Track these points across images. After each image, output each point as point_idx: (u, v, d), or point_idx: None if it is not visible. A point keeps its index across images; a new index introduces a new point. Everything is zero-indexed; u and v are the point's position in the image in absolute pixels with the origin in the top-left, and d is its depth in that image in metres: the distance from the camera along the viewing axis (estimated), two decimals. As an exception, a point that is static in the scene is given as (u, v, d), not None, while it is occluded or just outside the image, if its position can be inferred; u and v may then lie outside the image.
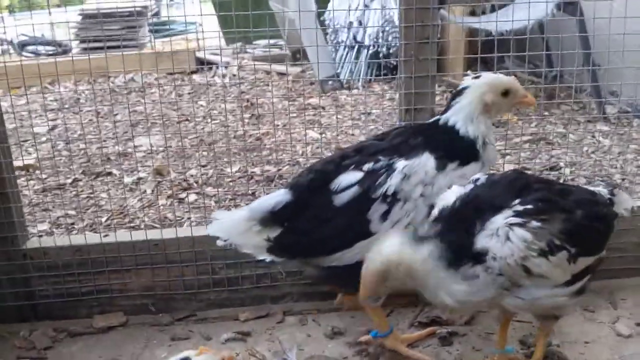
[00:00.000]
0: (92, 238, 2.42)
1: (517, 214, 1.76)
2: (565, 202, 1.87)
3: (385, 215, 2.01)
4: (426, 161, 2.04)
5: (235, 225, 2.07)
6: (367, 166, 2.05)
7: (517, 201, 1.79)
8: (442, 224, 1.79)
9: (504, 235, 1.73)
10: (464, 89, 2.12)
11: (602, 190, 2.07)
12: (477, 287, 1.76)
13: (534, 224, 1.74)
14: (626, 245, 2.49)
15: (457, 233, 1.77)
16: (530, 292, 1.80)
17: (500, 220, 1.75)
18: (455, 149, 2.09)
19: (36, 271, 2.39)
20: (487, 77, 2.14)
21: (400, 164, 2.03)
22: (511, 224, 1.74)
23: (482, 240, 1.74)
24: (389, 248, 1.74)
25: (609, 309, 2.39)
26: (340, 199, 2.02)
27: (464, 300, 1.77)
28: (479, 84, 2.11)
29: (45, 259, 2.38)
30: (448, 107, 2.14)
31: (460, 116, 2.10)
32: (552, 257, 1.76)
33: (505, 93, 2.12)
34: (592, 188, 2.08)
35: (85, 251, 2.33)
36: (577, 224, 1.83)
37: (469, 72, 2.24)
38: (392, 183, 2.01)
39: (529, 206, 1.78)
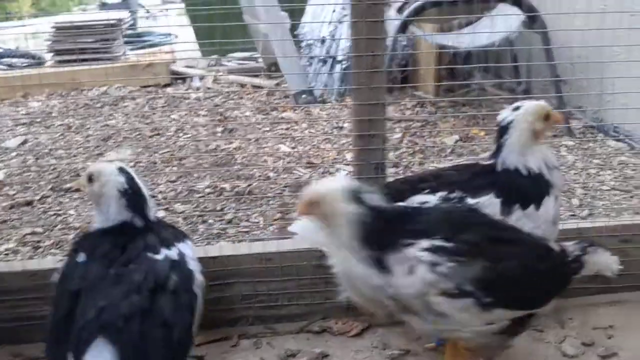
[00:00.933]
0: (47, 263, 2.44)
1: (434, 249, 1.72)
2: (497, 251, 1.79)
3: None
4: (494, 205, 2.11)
5: (312, 228, 2.15)
6: (441, 194, 2.14)
7: (441, 236, 1.75)
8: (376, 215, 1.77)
9: (408, 267, 1.71)
10: (509, 123, 2.15)
11: (571, 247, 1.98)
12: (370, 284, 1.76)
13: (447, 265, 1.69)
14: (573, 266, 2.55)
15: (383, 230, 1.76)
16: (437, 322, 1.78)
17: (414, 250, 1.72)
18: (524, 192, 2.13)
19: (-8, 296, 2.40)
20: (529, 106, 2.17)
21: (471, 200, 2.11)
22: (421, 260, 1.70)
23: (392, 259, 1.72)
24: (336, 185, 1.82)
25: (557, 328, 2.44)
26: None
27: (354, 281, 1.78)
28: (524, 114, 2.14)
29: (1, 284, 2.38)
30: (499, 148, 2.18)
31: (514, 154, 2.14)
32: (455, 301, 1.71)
33: (547, 117, 2.16)
34: (551, 243, 1.97)
35: (41, 276, 2.34)
36: (501, 275, 1.76)
37: (505, 106, 2.28)
38: None
39: (450, 244, 1.73)
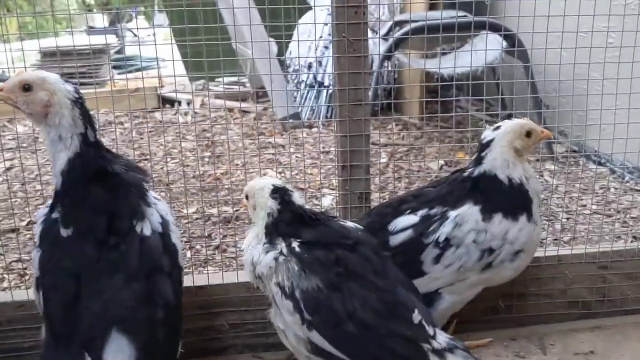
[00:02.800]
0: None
1: (290, 247, 1.84)
2: (341, 282, 1.79)
3: (437, 258, 2.17)
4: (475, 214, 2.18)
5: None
6: (421, 212, 2.23)
7: (303, 241, 1.86)
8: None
9: (267, 248, 1.88)
10: (490, 141, 2.24)
11: (445, 337, 1.82)
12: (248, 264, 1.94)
13: (290, 265, 1.81)
14: (553, 291, 2.61)
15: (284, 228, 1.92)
16: (277, 316, 1.89)
17: (281, 241, 1.88)
18: (506, 201, 2.20)
19: (-22, 327, 2.38)
20: (508, 125, 2.25)
21: (453, 212, 2.19)
22: (275, 247, 1.86)
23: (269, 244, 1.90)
24: (264, 182, 2.00)
25: (539, 354, 2.47)
26: (395, 240, 2.21)
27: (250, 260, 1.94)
28: (504, 134, 2.23)
29: (-13, 315, 2.38)
30: (479, 160, 2.25)
31: (496, 168, 2.22)
32: (284, 300, 1.81)
33: (529, 134, 2.24)
34: (417, 317, 1.80)
35: (28, 306, 2.34)
36: (325, 302, 1.77)
37: (486, 126, 2.37)
38: (443, 231, 2.17)
39: (303, 252, 1.82)
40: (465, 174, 2.29)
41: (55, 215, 1.87)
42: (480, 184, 2.24)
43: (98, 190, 1.84)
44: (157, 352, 1.75)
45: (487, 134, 2.28)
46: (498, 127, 2.27)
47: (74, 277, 1.76)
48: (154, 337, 1.74)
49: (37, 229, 1.93)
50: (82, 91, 1.89)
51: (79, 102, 1.84)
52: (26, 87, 1.80)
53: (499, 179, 2.22)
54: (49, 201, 1.96)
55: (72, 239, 1.80)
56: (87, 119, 1.86)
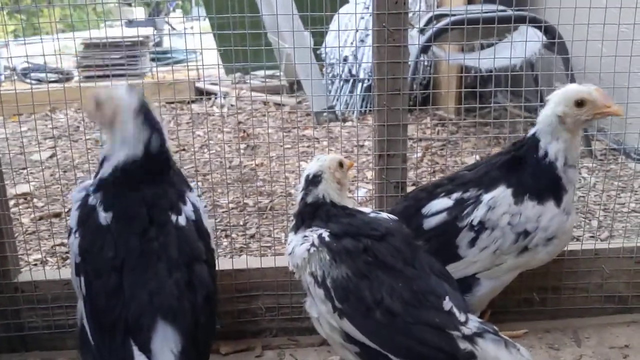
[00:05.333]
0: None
1: (321, 238, 1.88)
2: (369, 270, 1.81)
3: (473, 242, 2.18)
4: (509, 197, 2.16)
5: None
6: (455, 195, 2.23)
7: (332, 232, 1.89)
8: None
9: (300, 239, 1.92)
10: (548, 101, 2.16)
11: (474, 323, 1.77)
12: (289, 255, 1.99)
13: (322, 255, 1.85)
14: (589, 285, 2.60)
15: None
16: (312, 307, 1.92)
17: (313, 231, 1.92)
18: (535, 184, 2.15)
19: (26, 304, 2.47)
20: (563, 88, 2.12)
21: (487, 196, 2.18)
22: (308, 239, 1.90)
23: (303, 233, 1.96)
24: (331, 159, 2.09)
25: (573, 346, 2.46)
26: (429, 223, 2.22)
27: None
28: (554, 96, 2.13)
29: (36, 292, 2.45)
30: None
31: (543, 129, 2.14)
32: (317, 288, 1.84)
33: (580, 103, 2.05)
34: (448, 304, 1.78)
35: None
36: (354, 290, 1.78)
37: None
38: (477, 214, 2.17)
39: (333, 241, 1.86)
40: (504, 158, 2.24)
41: (92, 201, 1.92)
42: (522, 150, 2.18)
43: (144, 187, 1.93)
44: (199, 337, 1.81)
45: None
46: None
47: (116, 266, 1.80)
48: (196, 324, 1.80)
49: (74, 213, 1.96)
50: (117, 82, 2.05)
51: (142, 110, 1.95)
52: (98, 105, 1.97)
53: (538, 147, 2.13)
54: (85, 181, 2.04)
55: (113, 228, 1.85)
56: (152, 125, 1.96)
